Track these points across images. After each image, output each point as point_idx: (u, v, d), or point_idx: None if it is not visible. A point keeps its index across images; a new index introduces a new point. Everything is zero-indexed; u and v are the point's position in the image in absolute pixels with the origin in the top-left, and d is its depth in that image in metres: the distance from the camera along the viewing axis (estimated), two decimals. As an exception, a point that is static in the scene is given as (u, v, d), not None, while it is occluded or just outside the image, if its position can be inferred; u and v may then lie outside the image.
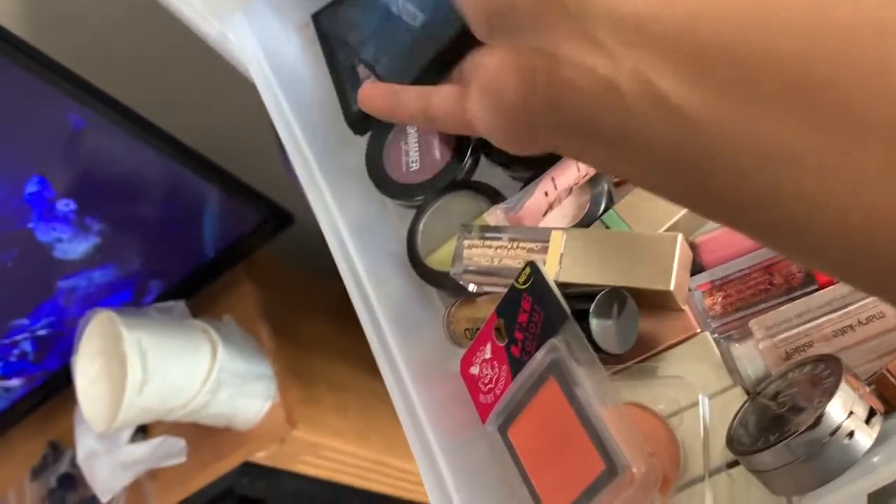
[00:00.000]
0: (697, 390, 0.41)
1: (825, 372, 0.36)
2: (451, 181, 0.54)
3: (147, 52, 1.07)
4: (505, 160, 0.53)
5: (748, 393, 0.41)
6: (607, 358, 0.42)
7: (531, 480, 0.42)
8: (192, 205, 1.04)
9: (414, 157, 0.56)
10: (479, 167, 0.55)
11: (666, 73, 0.24)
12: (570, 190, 0.49)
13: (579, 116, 0.27)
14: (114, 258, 1.02)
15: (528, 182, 0.51)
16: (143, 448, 1.05)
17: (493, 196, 0.53)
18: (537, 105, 0.29)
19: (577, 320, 0.41)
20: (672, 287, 0.41)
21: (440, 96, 0.38)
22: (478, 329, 0.49)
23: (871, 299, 0.38)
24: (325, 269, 1.34)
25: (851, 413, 0.34)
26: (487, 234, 0.49)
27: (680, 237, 0.42)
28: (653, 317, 0.44)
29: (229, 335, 1.04)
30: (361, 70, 0.58)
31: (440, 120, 0.38)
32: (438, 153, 0.56)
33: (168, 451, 1.05)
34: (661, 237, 0.43)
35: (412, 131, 0.57)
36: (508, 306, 0.45)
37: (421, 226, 0.55)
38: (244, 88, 0.90)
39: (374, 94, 0.41)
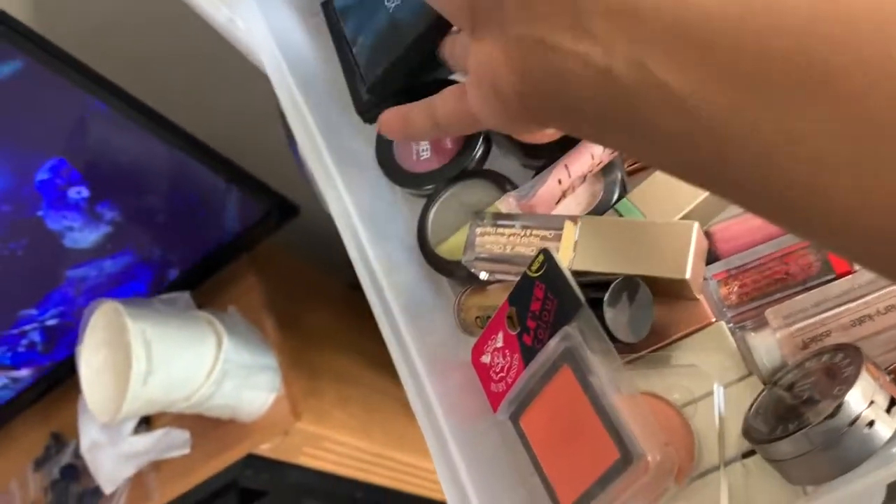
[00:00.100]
0: (712, 380, 0.41)
1: (844, 361, 0.36)
2: (462, 170, 0.54)
3: (154, 41, 1.07)
4: (517, 148, 0.52)
5: (764, 383, 0.40)
6: (620, 347, 0.42)
7: (543, 469, 0.42)
8: (198, 195, 1.03)
9: (425, 145, 0.56)
10: (491, 155, 0.55)
11: (666, 63, 0.23)
12: (584, 178, 0.49)
13: (579, 104, 0.27)
14: (124, 248, 1.02)
15: (540, 170, 0.51)
16: (147, 439, 1.05)
17: (505, 184, 0.52)
18: (534, 95, 0.28)
19: (590, 308, 0.41)
20: (688, 276, 0.41)
21: (442, 102, 0.37)
22: (489, 317, 0.48)
23: (890, 288, 0.38)
24: (329, 262, 1.35)
25: (872, 402, 0.34)
26: (500, 222, 0.48)
27: (696, 225, 0.42)
28: (667, 306, 0.43)
29: (234, 326, 1.03)
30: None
31: (449, 125, 0.37)
32: (449, 141, 0.55)
33: (172, 442, 1.04)
34: (677, 225, 0.42)
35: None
36: (521, 294, 0.44)
37: (431, 215, 0.54)
38: (251, 78, 0.90)
39: (388, 120, 0.42)
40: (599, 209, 0.48)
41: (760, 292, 0.42)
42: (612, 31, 0.24)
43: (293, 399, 1.04)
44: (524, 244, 0.47)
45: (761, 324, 0.41)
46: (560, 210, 0.49)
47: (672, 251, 0.41)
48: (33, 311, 1.03)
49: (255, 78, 0.85)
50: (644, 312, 0.42)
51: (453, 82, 0.55)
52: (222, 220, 1.09)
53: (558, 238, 0.45)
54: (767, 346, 0.41)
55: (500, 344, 0.46)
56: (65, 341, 1.09)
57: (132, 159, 0.93)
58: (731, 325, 0.42)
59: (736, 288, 0.43)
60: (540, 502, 0.42)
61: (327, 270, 1.36)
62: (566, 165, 0.48)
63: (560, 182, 0.48)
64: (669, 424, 0.41)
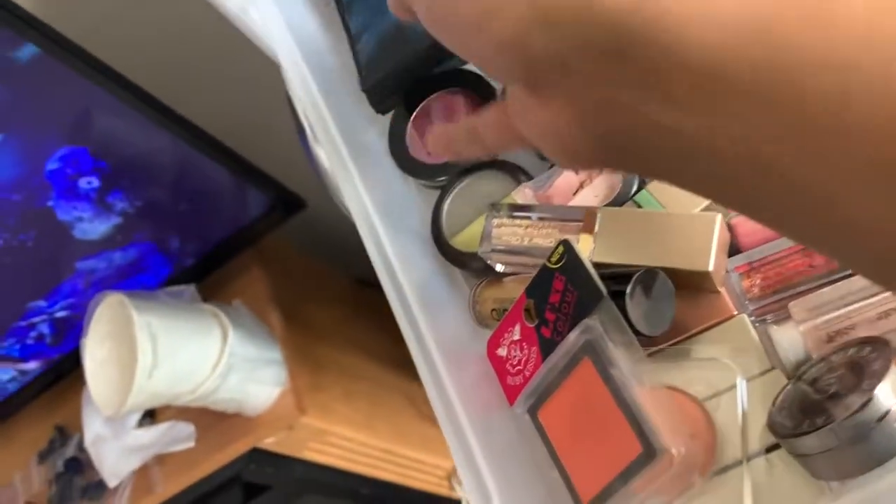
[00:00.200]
0: (734, 373, 0.40)
1: (872, 355, 0.35)
2: (476, 161, 0.53)
3: (163, 33, 1.06)
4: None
5: (788, 377, 0.40)
6: (640, 340, 0.41)
7: (562, 463, 0.41)
8: (204, 188, 1.03)
9: (439, 136, 0.55)
10: (506, 147, 0.54)
11: (772, 141, 0.21)
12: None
13: (665, 165, 0.25)
14: (133, 239, 1.01)
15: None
16: (151, 433, 1.04)
17: (520, 175, 0.52)
18: (611, 156, 0.26)
19: (611, 300, 0.40)
20: (711, 268, 0.40)
21: (485, 127, 0.35)
22: (505, 310, 0.48)
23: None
24: (335, 256, 1.34)
25: (902, 396, 0.33)
26: (516, 213, 0.48)
27: (719, 217, 0.41)
28: (688, 298, 0.43)
29: (239, 320, 1.03)
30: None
31: (497, 147, 0.35)
32: (464, 132, 0.55)
33: (176, 436, 1.04)
34: (700, 217, 0.42)
35: (436, 109, 0.56)
36: (539, 286, 0.44)
37: (446, 206, 0.54)
38: (258, 70, 0.89)
39: (434, 143, 0.39)
40: (618, 200, 0.47)
41: (783, 285, 0.41)
42: (707, 103, 0.22)
43: (298, 393, 1.03)
44: (541, 235, 0.46)
45: (784, 317, 0.41)
46: (577, 201, 0.48)
47: (695, 243, 0.41)
48: (42, 303, 1.02)
49: (263, 70, 0.84)
50: (666, 305, 0.42)
51: (454, 73, 0.55)
52: (228, 213, 1.08)
53: (577, 229, 0.45)
54: (791, 339, 0.40)
55: (517, 336, 0.45)
56: (73, 334, 1.08)
57: (140, 151, 0.92)
58: (753, 318, 0.42)
59: (758, 280, 0.42)
60: (559, 496, 0.41)
61: (333, 264, 1.35)
62: (585, 156, 0.47)
63: (577, 172, 0.47)
64: (691, 418, 0.40)
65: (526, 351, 0.45)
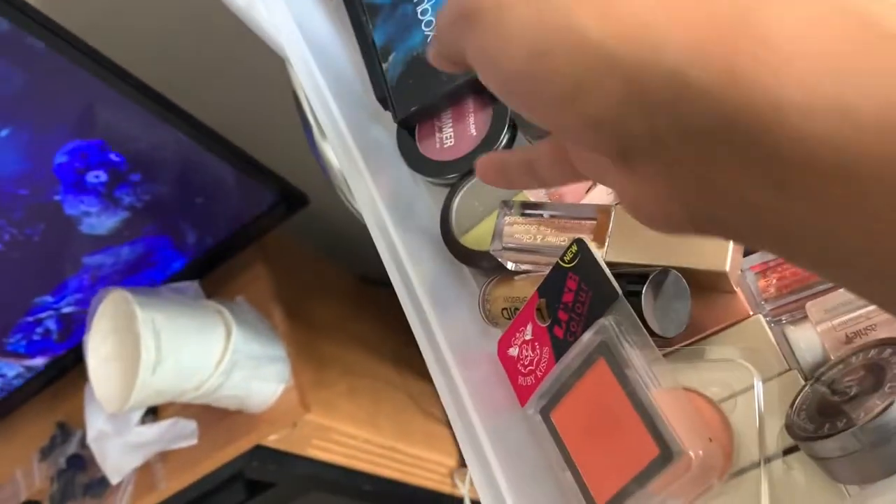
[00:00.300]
0: (751, 375, 0.40)
1: (894, 357, 0.35)
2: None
3: (167, 27, 1.06)
4: (544, 135, 0.51)
5: (805, 378, 0.39)
6: (655, 341, 0.41)
7: (576, 465, 0.41)
8: (207, 184, 1.02)
9: (448, 133, 0.55)
10: (516, 142, 0.53)
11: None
12: (615, 167, 0.47)
13: (761, 242, 0.24)
14: (140, 234, 1.01)
15: (568, 159, 0.49)
16: (154, 430, 1.04)
17: (532, 173, 0.51)
18: (705, 228, 0.25)
19: (626, 301, 0.40)
20: (727, 268, 0.40)
21: (540, 162, 0.33)
22: (516, 309, 0.47)
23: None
24: (338, 253, 1.34)
25: (925, 399, 0.32)
26: (528, 211, 0.47)
27: (736, 216, 0.40)
28: (702, 298, 0.42)
29: (243, 316, 1.02)
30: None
31: (554, 182, 0.34)
32: (474, 129, 0.54)
33: (179, 433, 1.04)
34: (716, 215, 0.41)
35: (445, 107, 0.56)
36: (552, 285, 0.43)
37: (455, 204, 0.53)
38: (261, 66, 0.89)
39: (484, 169, 0.37)
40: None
41: (800, 285, 0.41)
42: (832, 198, 0.20)
43: (302, 390, 1.03)
44: (554, 234, 0.46)
45: (801, 317, 0.40)
46: (590, 199, 0.48)
47: (710, 243, 0.40)
48: (49, 299, 1.02)
49: (267, 65, 0.84)
50: (681, 305, 0.41)
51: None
52: (231, 210, 1.07)
53: (590, 228, 0.44)
54: (808, 340, 0.40)
55: (528, 336, 0.45)
56: (80, 330, 1.07)
57: (145, 146, 0.92)
58: (770, 318, 0.41)
59: (774, 280, 0.42)
60: (572, 498, 0.41)
61: (336, 261, 1.35)
62: (598, 154, 0.46)
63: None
64: (708, 420, 0.39)
65: (538, 351, 0.44)
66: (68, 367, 1.14)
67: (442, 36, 0.30)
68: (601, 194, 0.47)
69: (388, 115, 0.57)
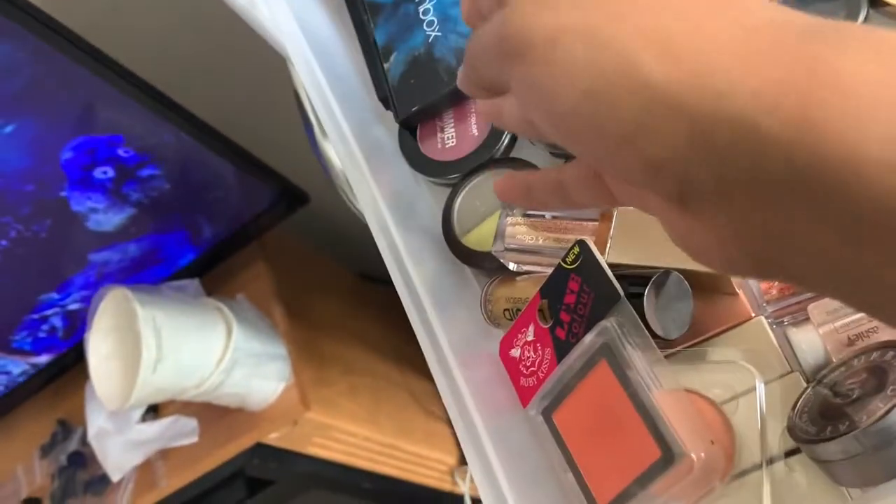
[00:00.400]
0: (753, 376, 0.40)
1: (895, 360, 0.35)
2: (489, 158, 0.53)
3: (168, 25, 1.05)
4: (550, 140, 0.51)
5: (807, 380, 0.39)
6: (657, 342, 0.41)
7: (578, 466, 0.41)
8: (207, 182, 1.02)
9: (450, 133, 0.55)
10: (518, 143, 0.53)
11: None
12: (617, 168, 0.47)
13: (825, 289, 0.23)
14: (147, 231, 1.01)
15: (569, 158, 0.49)
16: (155, 427, 1.04)
17: (534, 174, 0.51)
18: (766, 272, 0.24)
19: (628, 302, 0.40)
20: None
21: (576, 188, 0.32)
22: (518, 310, 0.47)
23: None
24: (339, 251, 1.34)
25: (927, 402, 0.32)
26: (530, 212, 0.47)
27: (738, 217, 0.40)
28: (704, 300, 0.42)
29: (243, 314, 1.02)
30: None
31: (584, 205, 0.33)
32: (476, 129, 0.54)
33: (180, 430, 1.04)
34: (718, 217, 0.41)
35: (447, 107, 0.56)
36: (554, 287, 0.43)
37: (457, 204, 0.53)
38: (262, 64, 0.88)
39: (507, 190, 0.36)
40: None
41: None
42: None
43: (302, 388, 1.03)
44: (556, 235, 0.46)
45: (803, 319, 0.40)
46: (592, 200, 0.48)
47: (713, 244, 0.40)
48: (54, 296, 1.02)
49: (268, 64, 0.84)
50: (683, 307, 0.41)
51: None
52: (231, 207, 1.07)
53: (592, 229, 0.44)
54: (810, 342, 0.40)
55: (530, 337, 0.45)
56: (85, 327, 1.08)
57: (147, 143, 0.91)
58: (772, 320, 0.41)
59: (776, 282, 0.41)
60: (574, 500, 0.41)
61: (336, 259, 1.35)
62: (600, 154, 0.46)
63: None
64: (710, 422, 0.39)
65: (540, 352, 0.44)
66: (69, 364, 1.14)
67: (478, 64, 0.28)
68: (603, 195, 0.47)
69: (390, 114, 0.57)
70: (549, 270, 0.44)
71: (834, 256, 0.20)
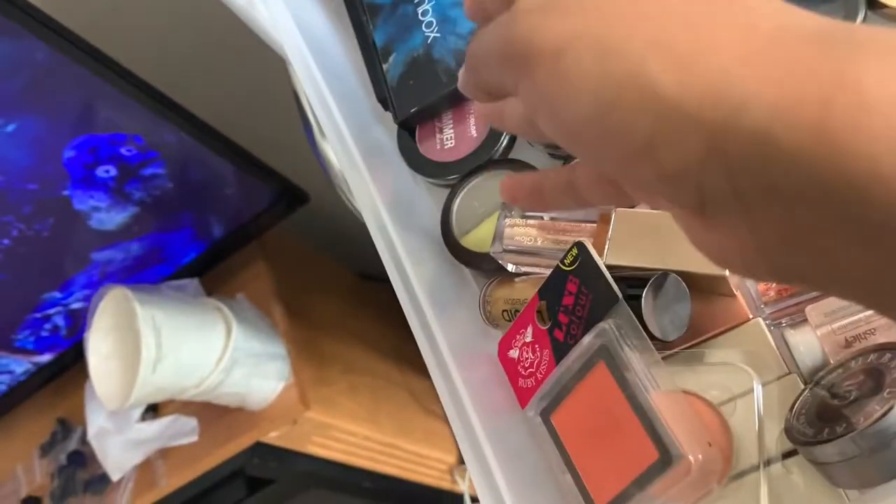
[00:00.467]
0: (750, 378, 0.40)
1: (893, 362, 0.35)
2: (487, 159, 0.53)
3: (167, 24, 1.05)
4: (552, 142, 0.51)
5: (805, 382, 0.39)
6: (655, 343, 0.41)
7: (576, 467, 0.41)
8: (207, 181, 1.02)
9: (449, 134, 0.55)
10: (517, 144, 0.53)
11: None
12: (615, 169, 0.47)
13: (842, 293, 0.23)
14: (149, 230, 1.00)
15: (568, 159, 0.49)
16: (155, 427, 1.04)
17: (532, 175, 0.51)
18: (785, 277, 0.24)
19: (626, 304, 0.40)
20: (727, 272, 0.40)
21: (588, 188, 0.32)
22: (517, 311, 0.47)
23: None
24: (338, 251, 1.34)
25: (924, 405, 0.33)
26: (529, 214, 0.47)
27: (736, 219, 0.40)
28: (702, 301, 0.42)
29: (243, 314, 1.02)
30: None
31: (597, 203, 0.33)
32: (474, 130, 0.54)
33: (179, 430, 1.04)
34: (716, 219, 0.41)
35: (446, 108, 0.56)
36: (552, 288, 0.43)
37: (455, 205, 0.53)
38: (262, 63, 0.88)
39: (515, 190, 0.35)
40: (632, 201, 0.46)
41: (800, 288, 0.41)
42: None
43: (302, 388, 1.03)
44: (554, 237, 0.46)
45: (801, 321, 0.40)
46: (590, 202, 0.48)
47: (711, 246, 0.40)
48: (57, 294, 1.02)
49: (268, 63, 0.84)
50: (681, 308, 0.41)
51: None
52: (231, 207, 1.07)
53: (590, 231, 0.44)
54: (808, 343, 0.40)
55: (529, 339, 0.45)
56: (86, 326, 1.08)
57: (149, 142, 0.91)
58: (769, 321, 0.41)
59: (774, 283, 0.42)
60: (572, 501, 0.41)
61: (336, 258, 1.35)
62: (598, 156, 0.46)
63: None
64: (707, 423, 0.40)
65: (538, 353, 0.44)
66: (69, 363, 1.14)
67: (481, 67, 0.28)
68: (601, 197, 0.47)
69: (389, 115, 0.57)
70: (548, 272, 0.44)
71: (854, 263, 0.20)
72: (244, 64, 1.02)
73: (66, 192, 0.89)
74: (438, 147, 0.55)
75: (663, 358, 0.42)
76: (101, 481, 1.08)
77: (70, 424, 1.16)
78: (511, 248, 0.47)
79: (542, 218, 0.47)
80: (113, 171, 0.90)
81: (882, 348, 0.36)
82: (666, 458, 0.36)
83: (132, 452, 1.04)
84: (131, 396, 0.89)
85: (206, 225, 1.07)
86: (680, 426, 0.36)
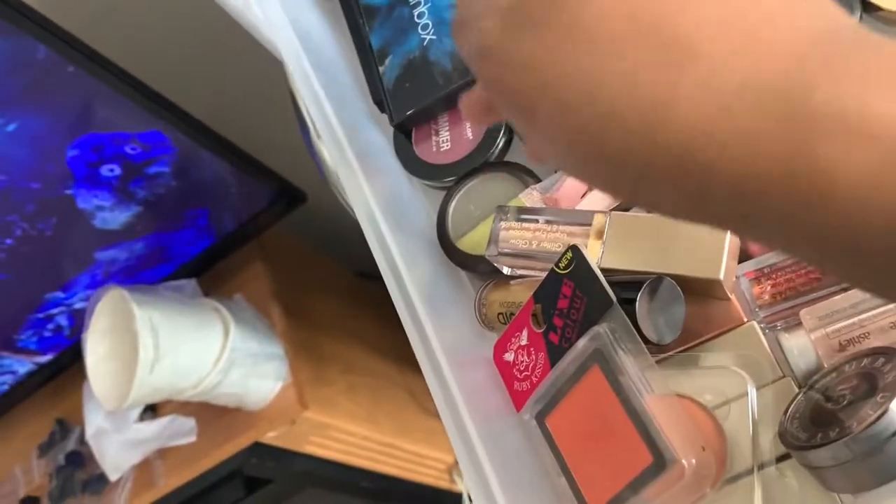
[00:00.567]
0: (744, 381, 0.40)
1: (886, 366, 0.35)
2: (483, 161, 0.53)
3: (164, 25, 1.05)
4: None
5: (799, 386, 0.39)
6: (650, 347, 0.41)
7: (571, 471, 0.41)
8: (204, 181, 1.02)
9: (444, 136, 0.55)
10: (512, 147, 0.53)
11: None
12: (611, 172, 0.47)
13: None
14: (153, 230, 1.00)
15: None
16: (153, 427, 1.04)
17: (528, 177, 0.51)
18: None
19: (620, 308, 0.40)
20: (722, 276, 0.40)
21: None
22: (512, 314, 0.47)
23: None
24: (336, 250, 1.33)
25: (917, 410, 0.33)
26: (524, 216, 0.47)
27: (730, 223, 0.40)
28: (697, 305, 0.42)
29: (241, 314, 1.02)
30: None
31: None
32: (470, 133, 0.54)
33: (177, 430, 1.04)
34: (711, 223, 0.41)
35: (442, 111, 0.56)
36: (547, 291, 0.43)
37: (451, 207, 0.53)
38: (259, 63, 0.88)
39: (472, 108, 0.34)
40: (626, 204, 0.47)
41: (794, 292, 0.41)
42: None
43: (300, 388, 1.03)
44: (550, 240, 0.46)
45: (795, 324, 0.40)
46: (585, 204, 0.48)
47: (705, 250, 0.40)
48: (60, 294, 1.01)
49: (263, 63, 0.84)
50: (675, 312, 0.41)
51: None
52: (229, 207, 1.07)
53: (586, 234, 0.44)
54: (802, 347, 0.40)
55: (524, 342, 0.45)
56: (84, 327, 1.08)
57: (152, 141, 0.91)
58: (764, 325, 0.41)
59: (769, 287, 0.42)
60: (567, 504, 0.41)
61: (335, 258, 1.35)
62: (593, 159, 0.46)
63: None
64: (701, 427, 0.40)
65: (533, 357, 0.44)
66: (67, 364, 1.14)
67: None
68: (596, 200, 0.47)
69: (385, 118, 0.57)
70: (543, 275, 0.44)
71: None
72: (241, 64, 1.02)
73: (69, 191, 0.89)
74: (434, 149, 0.55)
75: (658, 361, 0.42)
76: (99, 481, 1.08)
77: (68, 425, 1.16)
78: (506, 251, 0.47)
79: (537, 221, 0.47)
80: (117, 170, 0.89)
81: (875, 352, 0.36)
82: (660, 462, 0.36)
83: (130, 452, 1.04)
84: (129, 397, 0.89)
85: (207, 225, 1.07)
86: (674, 430, 0.36)
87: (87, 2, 0.98)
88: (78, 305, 1.05)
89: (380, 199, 0.51)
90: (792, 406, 0.38)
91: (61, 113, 0.83)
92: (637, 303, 0.40)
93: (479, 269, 0.51)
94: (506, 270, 0.49)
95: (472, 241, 0.52)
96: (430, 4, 0.55)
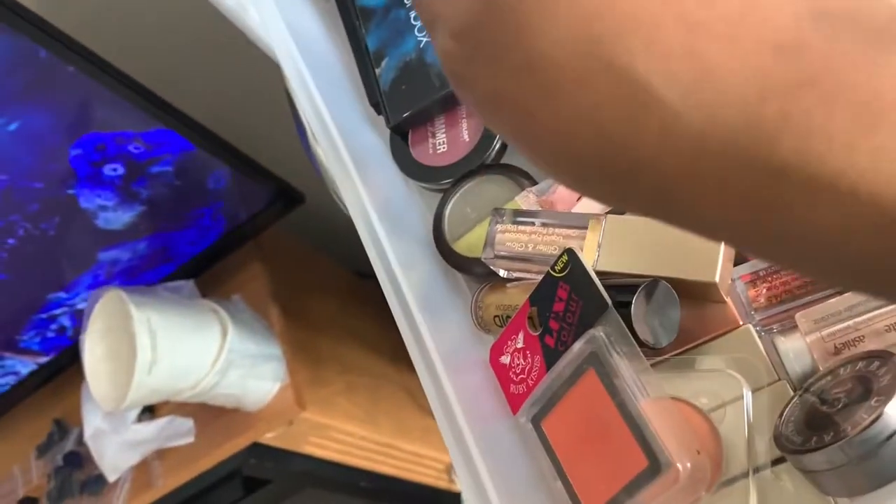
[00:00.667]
0: (740, 384, 0.40)
1: (881, 370, 0.35)
2: (479, 164, 0.53)
3: (161, 27, 1.05)
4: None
5: (794, 389, 0.39)
6: (645, 350, 0.41)
7: (566, 474, 0.41)
8: (202, 182, 1.02)
9: (441, 138, 0.55)
10: (509, 149, 0.53)
11: None
12: (607, 175, 0.47)
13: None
14: (156, 230, 1.00)
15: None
16: (151, 428, 1.04)
17: (524, 179, 0.51)
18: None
19: (616, 311, 0.40)
20: (717, 279, 0.40)
21: None
22: (508, 317, 0.47)
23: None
24: (334, 250, 1.33)
25: (911, 413, 0.33)
26: (520, 219, 0.47)
27: (726, 226, 0.40)
28: (692, 308, 0.42)
29: (239, 315, 1.02)
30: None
31: None
32: (467, 134, 0.54)
33: (176, 431, 1.04)
34: (706, 226, 0.41)
35: (438, 113, 0.56)
36: (543, 294, 0.43)
37: (448, 210, 0.53)
38: (255, 64, 0.88)
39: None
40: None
41: (790, 295, 0.41)
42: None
43: (298, 388, 1.03)
44: (546, 242, 0.46)
45: (791, 327, 0.40)
46: (580, 208, 0.48)
47: (701, 253, 0.40)
48: (62, 295, 1.01)
49: (261, 64, 0.84)
50: (671, 315, 0.41)
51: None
52: (227, 208, 1.07)
53: (582, 237, 0.44)
54: (797, 350, 0.40)
55: (520, 345, 0.45)
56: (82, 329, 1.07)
57: (155, 141, 0.91)
58: (759, 328, 0.41)
59: (764, 290, 0.42)
60: (562, 508, 0.41)
61: (333, 258, 1.35)
62: (589, 162, 0.46)
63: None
64: (697, 430, 0.40)
65: (529, 359, 0.44)
66: (66, 365, 1.14)
67: None
68: (592, 203, 0.47)
69: (381, 120, 0.57)
70: (539, 277, 0.44)
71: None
72: (240, 65, 1.02)
73: (72, 191, 0.89)
74: (431, 151, 0.55)
75: (653, 365, 0.42)
76: (97, 482, 1.08)
77: (67, 425, 1.16)
78: (502, 253, 0.47)
79: (533, 224, 0.47)
80: (121, 170, 0.89)
81: (871, 356, 0.36)
82: (655, 465, 0.36)
83: (129, 453, 1.04)
84: (127, 398, 0.89)
85: (206, 225, 1.07)
86: (669, 434, 0.36)
87: (85, 5, 0.98)
88: (80, 306, 1.05)
89: (376, 201, 0.51)
90: (787, 409, 0.38)
91: (64, 112, 0.83)
92: (633, 306, 0.40)
93: (475, 271, 0.51)
94: (502, 273, 0.49)
95: (469, 244, 0.52)
96: (426, 6, 0.55)
